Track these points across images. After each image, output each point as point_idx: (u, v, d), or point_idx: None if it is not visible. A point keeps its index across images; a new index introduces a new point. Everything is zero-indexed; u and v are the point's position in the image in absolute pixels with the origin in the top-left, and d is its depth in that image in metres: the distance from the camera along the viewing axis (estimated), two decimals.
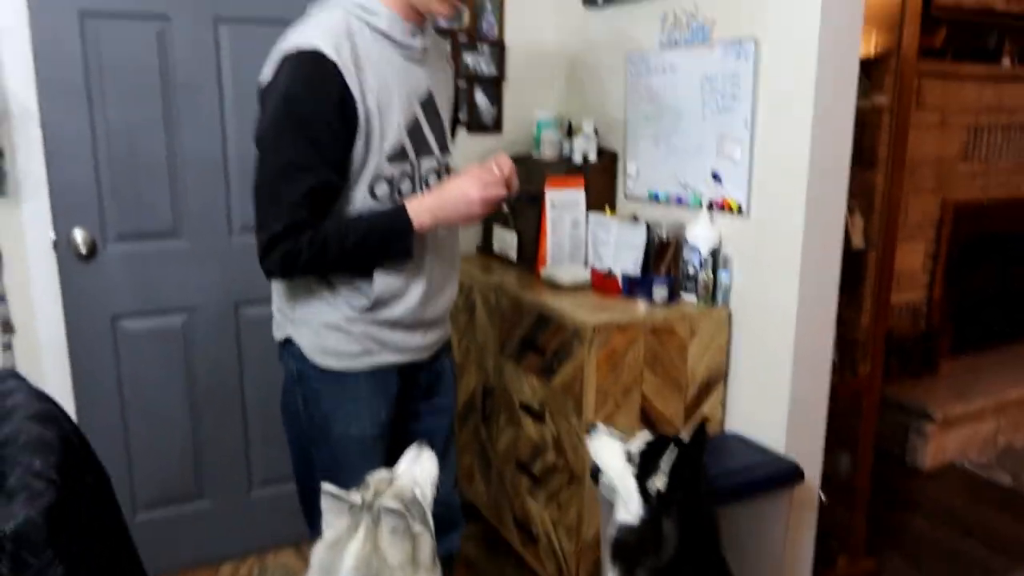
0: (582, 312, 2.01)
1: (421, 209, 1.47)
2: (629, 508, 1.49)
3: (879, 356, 2.46)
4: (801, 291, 1.95)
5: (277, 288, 1.64)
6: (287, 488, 2.60)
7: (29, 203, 2.15)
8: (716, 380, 2.12)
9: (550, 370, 2.10)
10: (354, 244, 1.43)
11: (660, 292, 2.11)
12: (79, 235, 2.22)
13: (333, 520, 1.21)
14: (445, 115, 1.62)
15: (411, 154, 1.51)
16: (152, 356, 2.37)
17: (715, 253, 2.12)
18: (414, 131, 1.52)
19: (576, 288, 2.26)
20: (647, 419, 2.04)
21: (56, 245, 2.20)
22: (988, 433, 3.60)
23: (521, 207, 2.52)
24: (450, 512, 1.71)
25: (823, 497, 2.18)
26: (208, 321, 2.42)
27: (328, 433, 1.60)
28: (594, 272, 2.30)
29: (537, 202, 2.43)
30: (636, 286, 2.17)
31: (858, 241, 2.42)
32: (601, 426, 1.60)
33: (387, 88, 1.44)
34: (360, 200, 1.47)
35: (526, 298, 2.20)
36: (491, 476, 2.50)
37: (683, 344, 2.05)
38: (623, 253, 2.25)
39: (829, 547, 2.43)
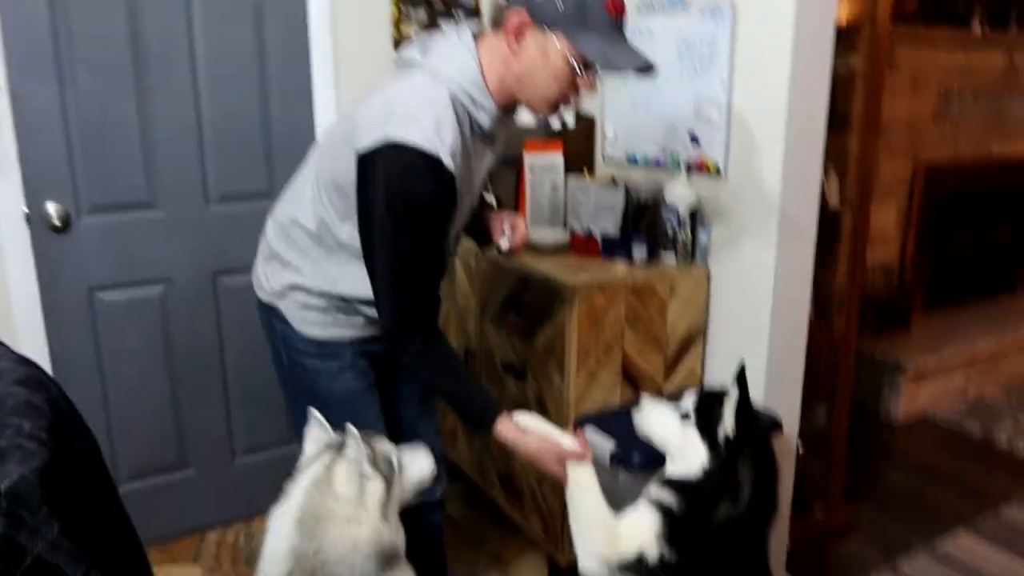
0: (563, 273, 2.02)
1: (509, 432, 1.50)
2: (691, 463, 1.48)
3: (854, 312, 2.51)
4: (779, 249, 1.98)
5: (264, 254, 1.65)
6: (271, 455, 2.63)
7: (0, 178, 2.11)
8: (695, 337, 2.15)
9: (532, 331, 2.12)
10: (458, 391, 1.53)
11: (639, 252, 2.13)
12: (52, 208, 2.19)
13: (310, 448, 1.28)
14: (488, 172, 1.64)
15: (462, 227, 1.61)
16: (130, 327, 2.36)
17: (693, 214, 2.14)
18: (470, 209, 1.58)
19: (556, 250, 2.27)
20: (628, 376, 2.07)
21: (29, 219, 2.17)
22: (959, 386, 3.70)
23: (500, 172, 2.52)
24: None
25: (801, 448, 2.23)
26: (186, 291, 2.41)
27: (315, 391, 1.61)
28: (574, 234, 2.31)
29: (516, 167, 2.43)
30: (616, 247, 2.19)
31: (834, 201, 2.45)
32: (645, 396, 1.61)
33: (469, 181, 1.50)
34: None
35: (506, 261, 2.21)
36: (474, 437, 2.53)
37: (663, 303, 2.07)
38: (602, 215, 2.26)
39: (806, 497, 2.49)
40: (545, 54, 1.39)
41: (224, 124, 2.37)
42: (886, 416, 3.55)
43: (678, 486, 1.49)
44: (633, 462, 1.75)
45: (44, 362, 2.26)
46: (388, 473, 1.26)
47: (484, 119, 1.45)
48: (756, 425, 1.48)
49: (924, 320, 3.96)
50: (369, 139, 1.36)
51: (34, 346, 2.23)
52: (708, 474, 1.47)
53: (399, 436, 1.52)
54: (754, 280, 2.03)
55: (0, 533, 0.70)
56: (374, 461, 1.23)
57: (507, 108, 1.50)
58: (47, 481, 0.73)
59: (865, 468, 3.05)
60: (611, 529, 1.48)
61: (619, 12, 1.38)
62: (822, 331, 2.44)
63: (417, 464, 1.35)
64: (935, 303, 4.12)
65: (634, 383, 2.08)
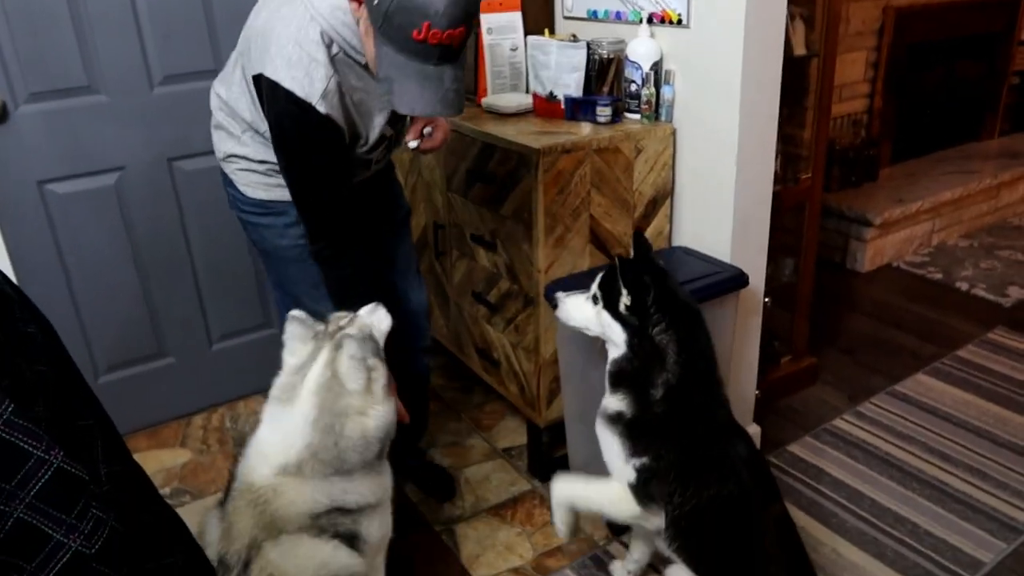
0: (526, 138, 1.98)
1: None
2: (616, 341, 1.52)
3: (820, 164, 2.51)
4: (743, 100, 1.94)
5: (213, 122, 1.69)
6: (248, 339, 2.65)
7: None
8: (663, 196, 2.15)
9: (499, 199, 2.09)
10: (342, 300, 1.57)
11: (604, 112, 2.09)
12: None
13: (297, 347, 1.28)
14: None
15: (390, 132, 1.62)
16: (88, 219, 2.30)
17: (657, 68, 2.08)
18: (393, 114, 1.56)
19: (519, 115, 2.22)
20: (597, 240, 2.07)
21: None
22: (923, 234, 3.77)
23: None
24: (418, 319, 1.92)
25: (767, 301, 2.28)
26: (142, 179, 2.33)
27: (264, 247, 1.73)
28: (536, 97, 2.25)
29: (473, 29, 2.32)
30: (579, 108, 2.13)
31: (800, 48, 2.39)
32: (560, 294, 1.64)
33: (367, 105, 1.50)
34: None
35: (469, 129, 2.16)
36: (449, 310, 2.55)
37: (629, 163, 2.05)
38: (564, 76, 2.19)
39: (774, 348, 2.58)
40: (367, 34, 1.35)
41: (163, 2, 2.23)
42: (851, 268, 3.62)
43: (614, 363, 1.54)
44: None
45: (3, 261, 2.20)
46: (378, 352, 1.30)
47: (361, 58, 1.42)
48: (656, 284, 1.48)
49: (891, 171, 3.98)
50: (256, 65, 1.42)
51: None
52: (630, 348, 1.50)
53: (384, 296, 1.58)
54: (719, 134, 2.00)
55: None
56: (367, 346, 1.27)
57: None
58: None
59: (830, 317, 3.14)
60: (612, 497, 1.58)
61: (433, 40, 1.26)
62: (788, 185, 2.44)
63: (382, 322, 1.39)
64: (903, 153, 4.13)
65: (603, 247, 2.09)
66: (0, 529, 0.65)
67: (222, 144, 1.66)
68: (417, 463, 2.21)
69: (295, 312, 1.29)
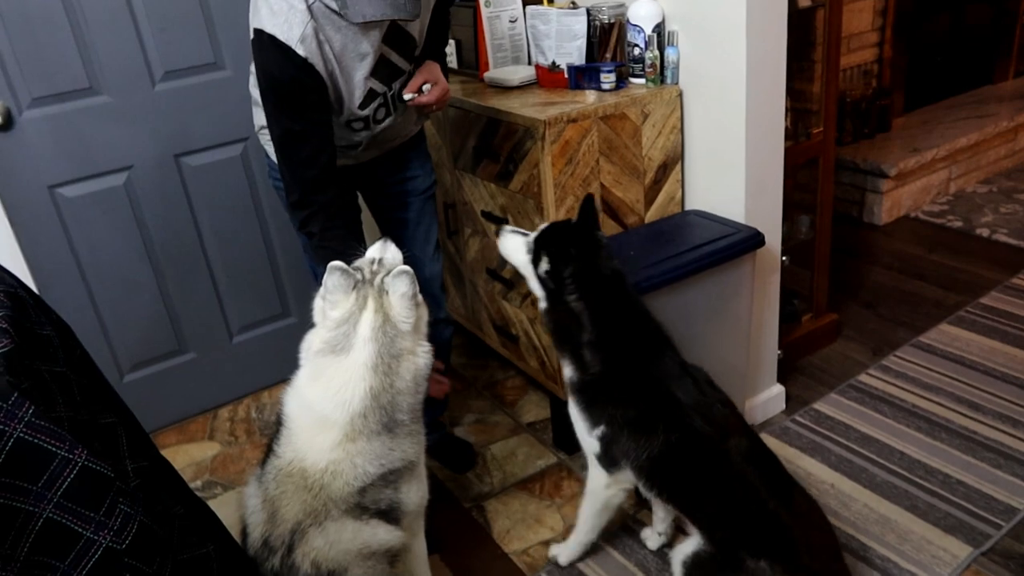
0: (531, 110, 1.96)
1: None
2: (538, 295, 1.57)
3: (831, 117, 2.46)
4: (749, 56, 1.90)
5: (252, 100, 1.80)
6: (268, 330, 2.66)
7: None
8: (673, 161, 2.12)
9: (507, 174, 2.08)
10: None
11: (608, 79, 2.06)
12: None
13: (340, 299, 1.28)
14: (415, 24, 1.64)
15: (381, 88, 1.66)
16: (100, 221, 2.31)
17: (659, 30, 2.05)
18: (379, 68, 1.61)
19: (523, 87, 2.19)
20: (609, 209, 2.05)
21: None
22: (940, 182, 3.70)
23: (454, 12, 2.38)
24: (432, 288, 1.96)
25: (785, 260, 2.25)
26: (150, 177, 2.34)
27: None
28: (539, 68, 2.22)
29: (471, 3, 2.30)
30: (583, 76, 2.10)
31: (804, 0, 2.33)
32: (507, 227, 1.67)
33: (347, 58, 1.55)
34: (340, 132, 1.67)
35: (473, 105, 2.14)
36: (465, 288, 2.54)
37: (636, 128, 2.02)
38: (566, 44, 2.16)
39: (794, 306, 2.55)
40: None
41: None
42: (869, 221, 3.58)
43: (541, 315, 1.58)
44: None
45: (21, 268, 2.22)
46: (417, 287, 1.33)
47: (335, 4, 1.47)
48: (581, 257, 1.49)
49: (904, 120, 3.91)
50: (252, 25, 1.52)
51: (6, 254, 2.18)
52: (548, 308, 1.55)
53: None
54: (726, 93, 1.97)
55: None
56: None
57: None
58: (14, 367, 0.72)
59: (850, 272, 3.11)
60: (593, 487, 1.69)
61: None
62: (800, 140, 2.40)
63: (398, 254, 1.41)
64: (916, 102, 4.05)
65: (615, 215, 2.07)
66: (31, 530, 0.65)
67: (256, 118, 1.79)
68: (436, 437, 2.23)
69: (335, 263, 1.29)
